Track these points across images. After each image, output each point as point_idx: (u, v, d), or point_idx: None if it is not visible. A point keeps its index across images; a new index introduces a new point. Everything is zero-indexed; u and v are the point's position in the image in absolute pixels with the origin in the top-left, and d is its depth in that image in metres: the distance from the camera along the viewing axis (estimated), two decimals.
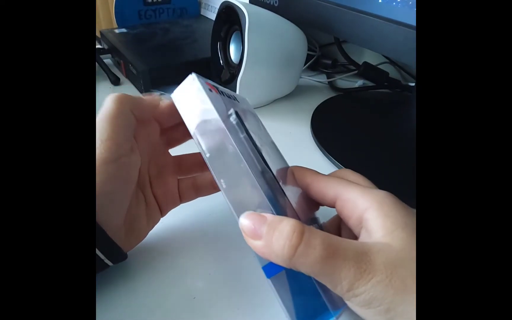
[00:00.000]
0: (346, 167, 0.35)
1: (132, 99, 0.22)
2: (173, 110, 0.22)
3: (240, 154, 0.19)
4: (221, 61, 0.48)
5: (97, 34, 0.63)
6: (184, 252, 0.27)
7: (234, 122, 0.21)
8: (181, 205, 0.27)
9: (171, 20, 0.71)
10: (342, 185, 0.21)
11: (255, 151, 0.21)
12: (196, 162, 0.28)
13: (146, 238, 0.27)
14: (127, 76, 0.54)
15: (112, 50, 0.58)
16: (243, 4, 0.42)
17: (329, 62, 0.59)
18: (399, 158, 0.37)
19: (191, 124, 0.21)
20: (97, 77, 0.54)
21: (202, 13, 0.77)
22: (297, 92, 0.52)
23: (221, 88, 0.24)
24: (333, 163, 0.37)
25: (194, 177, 0.28)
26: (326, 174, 0.23)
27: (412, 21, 0.33)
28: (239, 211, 0.18)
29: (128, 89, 0.52)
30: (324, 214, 0.25)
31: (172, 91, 0.23)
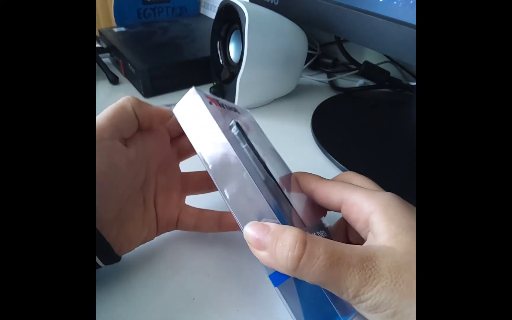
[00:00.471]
0: (346, 167, 0.35)
1: (136, 99, 0.23)
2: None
3: (242, 164, 0.20)
4: (220, 60, 0.48)
5: (96, 33, 0.63)
6: (183, 253, 0.26)
7: (235, 133, 0.22)
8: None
9: (171, 19, 0.70)
10: (347, 189, 0.21)
11: (258, 161, 0.22)
12: (203, 177, 0.28)
13: None
14: (126, 75, 0.54)
15: (111, 49, 0.58)
16: (243, 2, 0.42)
17: (330, 61, 0.59)
18: (400, 158, 0.37)
19: (193, 138, 0.21)
20: (96, 76, 0.53)
21: (201, 11, 0.77)
22: (297, 92, 0.52)
23: (221, 100, 0.25)
24: (333, 163, 0.37)
25: (202, 211, 0.27)
26: (330, 176, 0.23)
27: (413, 20, 0.32)
28: (244, 221, 0.19)
29: (127, 88, 0.52)
30: (330, 218, 0.24)
31: (173, 98, 0.23)
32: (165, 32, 0.62)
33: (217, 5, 0.46)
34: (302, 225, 0.21)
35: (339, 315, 0.18)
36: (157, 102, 0.47)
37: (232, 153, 0.20)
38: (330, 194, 0.22)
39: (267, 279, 0.18)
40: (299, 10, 0.46)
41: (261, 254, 0.17)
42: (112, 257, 0.22)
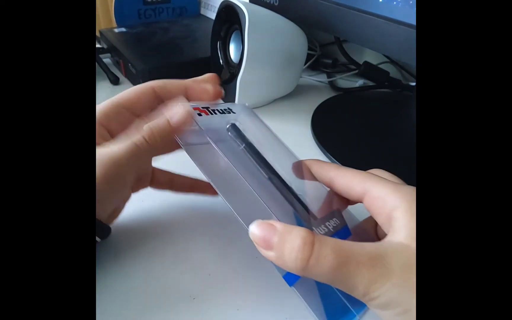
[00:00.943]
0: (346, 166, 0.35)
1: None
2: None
3: (235, 169, 0.20)
4: (221, 61, 0.48)
5: (97, 33, 0.63)
6: (183, 253, 0.26)
7: (232, 136, 0.22)
8: (180, 205, 0.27)
9: (171, 20, 0.70)
10: (370, 180, 0.20)
11: (258, 159, 0.22)
12: (170, 178, 0.29)
13: (145, 239, 0.27)
14: (127, 76, 0.54)
15: (111, 49, 0.58)
16: (243, 3, 0.42)
17: (330, 61, 0.59)
18: (400, 158, 0.37)
19: (189, 154, 0.22)
20: (96, 76, 0.53)
21: (201, 12, 0.77)
22: (297, 92, 0.52)
23: (213, 106, 0.25)
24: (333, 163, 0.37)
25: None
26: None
27: (413, 20, 0.32)
28: (247, 221, 0.18)
29: (128, 88, 0.51)
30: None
31: None
32: (165, 32, 0.62)
33: (217, 5, 0.46)
34: (311, 218, 0.21)
35: (351, 308, 0.18)
36: None
37: (224, 160, 0.20)
38: (351, 183, 0.21)
39: (267, 279, 0.18)
40: (299, 10, 0.46)
41: (269, 254, 0.17)
42: (104, 230, 0.23)
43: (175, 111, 0.22)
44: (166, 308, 0.23)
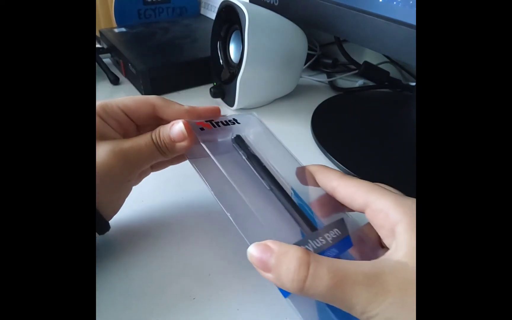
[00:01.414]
0: (346, 167, 0.35)
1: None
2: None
3: (234, 184, 0.21)
4: (221, 61, 0.48)
5: (97, 33, 0.63)
6: (183, 253, 0.26)
7: (236, 147, 0.23)
8: (180, 205, 0.27)
9: (171, 20, 0.70)
10: (374, 191, 0.20)
11: (260, 170, 0.22)
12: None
13: (145, 239, 0.27)
14: (127, 76, 0.54)
15: (111, 49, 0.58)
16: (243, 3, 0.42)
17: (330, 61, 0.59)
18: (400, 158, 0.37)
19: (193, 166, 0.23)
20: (96, 76, 0.53)
21: (201, 12, 0.77)
22: (297, 92, 0.52)
23: (216, 119, 0.25)
24: (333, 163, 0.37)
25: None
26: None
27: (413, 20, 0.32)
28: (250, 239, 0.19)
29: (128, 88, 0.52)
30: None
31: (173, 98, 0.24)
32: (165, 32, 0.62)
33: (217, 5, 0.46)
34: (311, 229, 0.21)
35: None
36: None
37: (222, 171, 0.21)
38: (355, 194, 0.21)
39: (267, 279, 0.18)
40: (299, 10, 0.46)
41: (268, 276, 0.18)
42: (103, 225, 0.24)
43: (176, 127, 0.23)
44: (166, 308, 0.23)
